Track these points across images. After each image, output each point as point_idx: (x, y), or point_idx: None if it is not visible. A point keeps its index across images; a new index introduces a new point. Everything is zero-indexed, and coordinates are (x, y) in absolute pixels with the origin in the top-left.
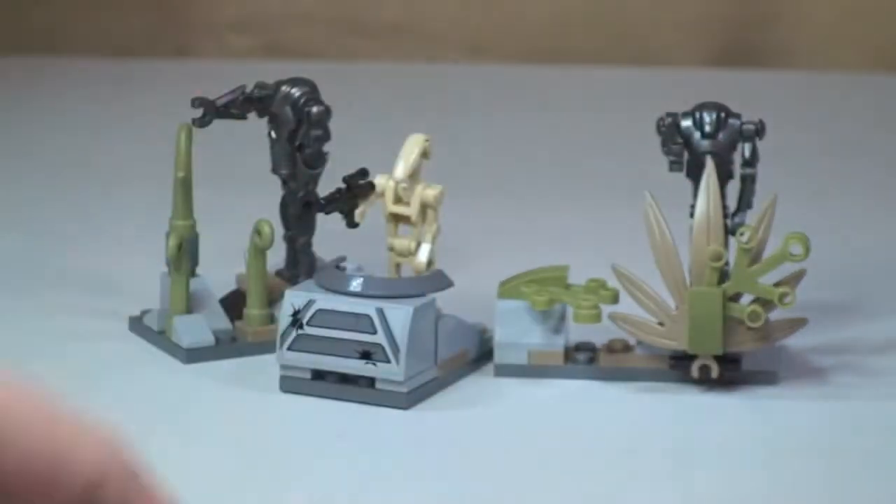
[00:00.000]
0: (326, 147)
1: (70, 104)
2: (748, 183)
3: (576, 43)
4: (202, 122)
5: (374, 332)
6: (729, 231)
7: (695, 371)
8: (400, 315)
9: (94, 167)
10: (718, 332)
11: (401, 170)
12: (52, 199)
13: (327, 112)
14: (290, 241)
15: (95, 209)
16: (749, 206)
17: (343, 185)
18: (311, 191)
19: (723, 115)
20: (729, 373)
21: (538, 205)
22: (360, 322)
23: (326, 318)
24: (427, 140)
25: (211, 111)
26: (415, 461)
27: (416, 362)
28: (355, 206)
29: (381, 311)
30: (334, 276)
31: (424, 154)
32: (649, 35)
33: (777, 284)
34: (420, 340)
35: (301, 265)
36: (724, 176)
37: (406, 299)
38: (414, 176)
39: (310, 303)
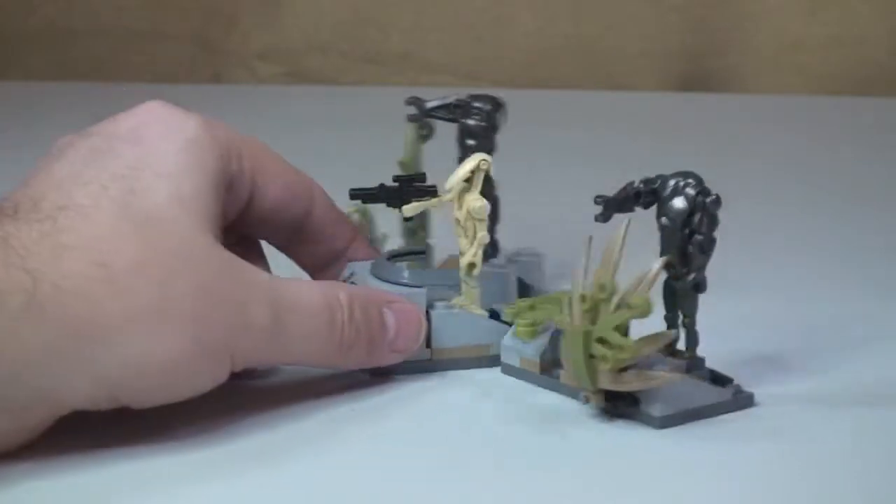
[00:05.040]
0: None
1: None
2: (694, 246)
3: (556, 70)
4: (413, 118)
5: None
6: (690, 287)
7: (581, 398)
8: None
9: None
10: (583, 369)
11: (450, 181)
12: None
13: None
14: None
15: None
16: (701, 266)
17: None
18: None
19: (687, 188)
20: (622, 408)
21: (523, 210)
22: None
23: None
24: (483, 159)
25: (422, 112)
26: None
27: None
28: (407, 202)
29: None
30: (381, 262)
31: (479, 169)
32: (618, 63)
33: (641, 338)
34: None
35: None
36: (678, 239)
37: (406, 288)
38: (472, 187)
39: (350, 274)
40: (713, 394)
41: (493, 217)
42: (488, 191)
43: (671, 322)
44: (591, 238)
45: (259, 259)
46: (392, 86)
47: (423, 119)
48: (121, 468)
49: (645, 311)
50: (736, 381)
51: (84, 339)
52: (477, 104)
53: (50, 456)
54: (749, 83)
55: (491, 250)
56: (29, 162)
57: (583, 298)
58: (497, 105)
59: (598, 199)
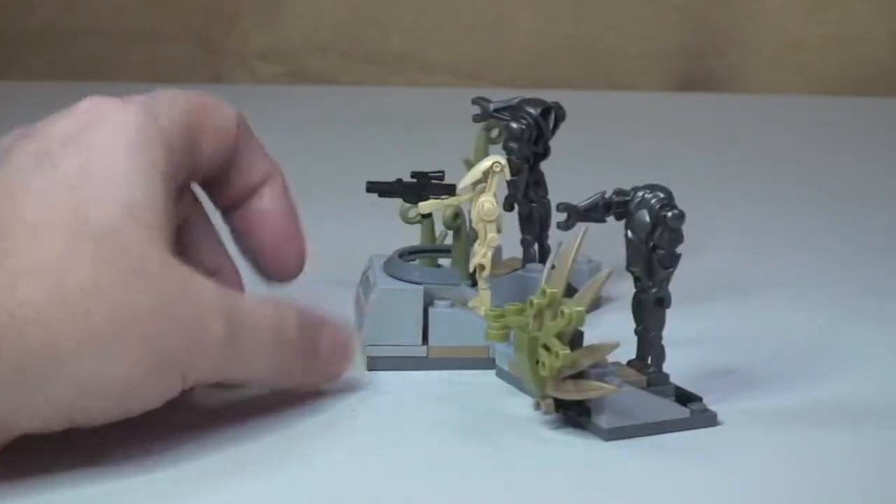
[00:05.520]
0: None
1: None
2: (654, 261)
3: (556, 70)
4: (477, 118)
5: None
6: (653, 301)
7: (534, 404)
8: (376, 291)
9: None
10: (528, 373)
11: (463, 181)
12: None
13: (522, 130)
14: (526, 244)
15: None
16: (663, 280)
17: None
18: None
19: (652, 200)
20: (573, 417)
21: None
22: (367, 289)
23: (366, 280)
24: (496, 161)
25: (486, 112)
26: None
27: (386, 334)
28: (425, 199)
29: (375, 285)
30: (392, 259)
31: (493, 171)
32: (619, 64)
33: (583, 348)
34: (393, 317)
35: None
36: (643, 253)
37: (409, 284)
38: (487, 189)
39: (368, 267)
40: (669, 410)
41: (544, 223)
42: (541, 196)
43: (641, 335)
44: (560, 244)
45: (206, 223)
46: (392, 86)
47: (487, 119)
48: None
49: (574, 321)
50: (705, 399)
51: (40, 366)
52: (528, 108)
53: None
54: (749, 83)
55: (538, 255)
56: None
57: (531, 304)
58: (547, 110)
59: (561, 206)
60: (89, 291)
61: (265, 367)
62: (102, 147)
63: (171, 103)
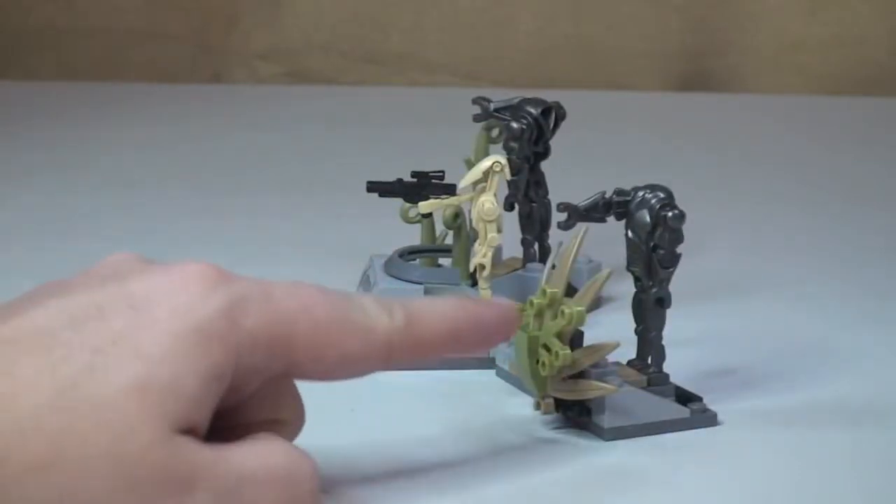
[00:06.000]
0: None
1: (121, 124)
2: (654, 261)
3: (556, 70)
4: (477, 118)
5: None
6: (653, 301)
7: (534, 404)
8: (376, 291)
9: (147, 178)
10: (528, 373)
11: (463, 181)
12: (107, 208)
13: (523, 130)
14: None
15: (151, 210)
16: (663, 280)
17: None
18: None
19: (653, 200)
20: (574, 417)
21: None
22: (367, 288)
23: (366, 280)
24: (496, 161)
25: (486, 112)
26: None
27: None
28: (425, 199)
29: (375, 285)
30: (392, 259)
31: (493, 171)
32: (619, 63)
33: (583, 348)
34: None
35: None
36: (643, 253)
37: (409, 284)
38: (487, 189)
39: (368, 267)
40: (669, 410)
41: (545, 223)
42: (541, 196)
43: (641, 335)
44: (560, 244)
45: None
46: (392, 86)
47: (487, 119)
48: None
49: (574, 321)
50: (705, 399)
51: None
52: (528, 108)
53: None
54: (749, 83)
55: (538, 255)
56: (29, 162)
57: (531, 304)
58: (547, 110)
59: (561, 206)
60: (34, 471)
61: None
62: (158, 318)
63: (277, 325)
